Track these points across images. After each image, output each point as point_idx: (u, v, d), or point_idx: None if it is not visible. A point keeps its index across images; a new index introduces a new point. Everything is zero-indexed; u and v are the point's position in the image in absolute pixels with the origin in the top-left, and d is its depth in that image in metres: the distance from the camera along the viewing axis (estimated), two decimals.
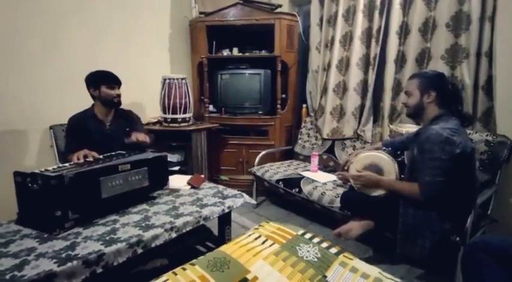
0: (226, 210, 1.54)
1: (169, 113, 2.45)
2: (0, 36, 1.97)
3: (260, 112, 2.72)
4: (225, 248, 1.12)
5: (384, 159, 1.58)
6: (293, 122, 2.93)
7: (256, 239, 1.18)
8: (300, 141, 2.83)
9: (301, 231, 1.24)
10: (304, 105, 2.89)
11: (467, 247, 1.14)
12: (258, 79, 2.68)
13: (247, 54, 2.76)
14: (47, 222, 1.18)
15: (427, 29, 2.03)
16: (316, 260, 1.06)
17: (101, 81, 1.83)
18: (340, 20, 2.44)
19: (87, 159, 1.51)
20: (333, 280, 0.99)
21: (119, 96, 1.89)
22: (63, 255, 1.03)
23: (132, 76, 2.02)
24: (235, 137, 2.78)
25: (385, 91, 2.28)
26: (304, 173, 2.30)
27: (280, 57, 2.62)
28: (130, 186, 1.42)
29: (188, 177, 1.82)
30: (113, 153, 1.63)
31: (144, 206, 1.47)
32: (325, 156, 2.62)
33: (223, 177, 2.82)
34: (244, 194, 1.68)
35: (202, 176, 1.92)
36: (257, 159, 2.53)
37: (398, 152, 1.82)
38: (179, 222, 1.31)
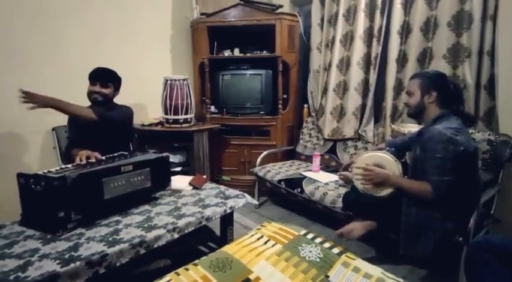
0: (228, 211, 1.54)
1: (171, 114, 2.45)
2: (2, 37, 1.98)
3: (261, 112, 2.72)
4: (228, 248, 1.12)
5: (387, 159, 1.58)
6: (294, 122, 2.93)
7: (258, 239, 1.18)
8: (301, 142, 2.83)
9: (303, 232, 1.24)
10: (306, 105, 2.89)
11: (470, 247, 1.13)
12: (259, 79, 2.68)
13: (248, 54, 2.76)
14: (50, 223, 1.19)
15: (429, 28, 2.03)
16: (318, 260, 1.06)
17: (89, 77, 1.84)
18: (341, 19, 2.44)
19: (90, 160, 1.52)
20: (335, 280, 0.99)
21: (98, 93, 1.82)
22: (67, 256, 1.03)
23: (134, 77, 2.02)
24: (237, 137, 2.78)
25: (386, 91, 2.27)
26: (306, 173, 2.30)
27: (281, 57, 2.62)
28: (133, 187, 1.43)
29: (190, 177, 1.82)
30: (115, 154, 1.64)
31: (147, 206, 1.47)
32: (327, 157, 2.62)
33: (225, 178, 2.82)
34: (246, 195, 1.68)
35: (204, 176, 1.93)
36: (259, 160, 2.53)
37: (400, 153, 1.81)
38: (181, 222, 1.31)
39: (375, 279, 0.99)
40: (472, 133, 1.76)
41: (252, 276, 0.97)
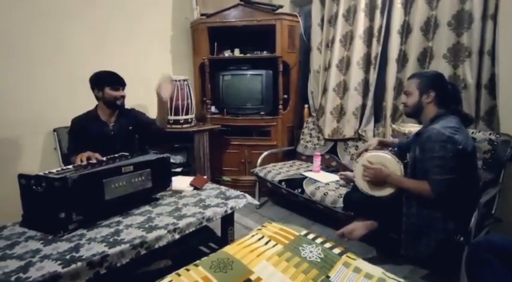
0: (229, 211, 1.54)
1: (171, 115, 2.45)
2: (4, 39, 1.98)
3: (262, 113, 2.72)
4: (228, 249, 1.12)
5: (389, 159, 1.58)
6: (295, 122, 2.93)
7: (259, 239, 1.18)
8: (302, 142, 2.83)
9: (304, 232, 1.24)
10: (306, 106, 2.89)
11: (471, 247, 1.13)
12: (260, 80, 2.68)
13: (248, 55, 2.76)
14: (51, 224, 1.19)
15: (429, 28, 2.03)
16: (319, 260, 1.06)
17: (105, 83, 1.83)
18: (340, 19, 2.44)
19: (91, 161, 1.52)
20: (336, 280, 0.99)
21: (122, 97, 1.88)
22: (68, 257, 1.04)
23: (135, 78, 2.02)
24: (238, 137, 2.78)
25: (386, 90, 2.27)
26: (307, 173, 2.30)
27: (282, 57, 2.62)
28: (134, 187, 1.43)
29: (191, 178, 1.83)
30: (116, 155, 1.64)
31: (147, 207, 1.47)
32: (327, 157, 2.62)
33: (225, 178, 2.82)
34: (246, 195, 1.68)
35: (205, 177, 1.93)
36: (259, 160, 2.53)
37: (403, 153, 1.81)
38: (182, 223, 1.31)
39: (376, 280, 0.99)
40: (472, 133, 1.76)
41: (253, 277, 0.97)
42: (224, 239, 1.68)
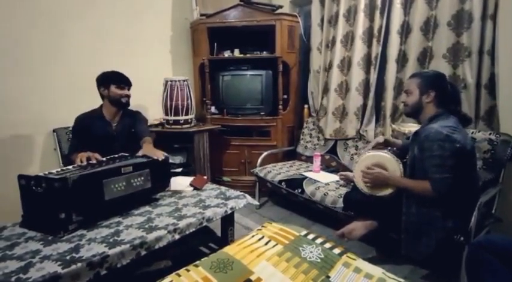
0: (229, 211, 1.54)
1: (171, 115, 2.45)
2: (5, 40, 1.98)
3: (262, 113, 2.72)
4: (228, 249, 1.12)
5: (388, 159, 1.58)
6: (295, 122, 2.93)
7: (259, 240, 1.18)
8: (302, 142, 2.83)
9: (304, 232, 1.24)
10: (306, 106, 2.89)
11: (471, 247, 1.13)
12: (260, 80, 2.68)
13: (248, 55, 2.76)
14: (52, 225, 1.19)
15: (429, 28, 2.03)
16: (319, 260, 1.06)
17: (111, 81, 1.86)
18: (341, 20, 2.44)
19: (90, 162, 1.52)
20: (336, 281, 0.99)
21: (127, 96, 1.91)
22: (68, 258, 1.04)
23: (135, 78, 2.02)
24: (237, 138, 2.78)
25: (386, 90, 2.27)
26: (307, 174, 2.30)
27: (282, 57, 2.62)
28: (133, 188, 1.43)
29: (191, 178, 1.83)
30: (116, 155, 1.64)
31: (147, 207, 1.47)
32: (327, 157, 2.62)
33: (225, 178, 2.82)
34: (246, 195, 1.68)
35: (205, 177, 1.93)
36: (259, 160, 2.53)
37: (401, 153, 1.81)
38: (182, 223, 1.31)
39: (376, 280, 0.99)
40: (472, 132, 1.76)
41: (253, 277, 0.97)
42: (224, 240, 1.68)
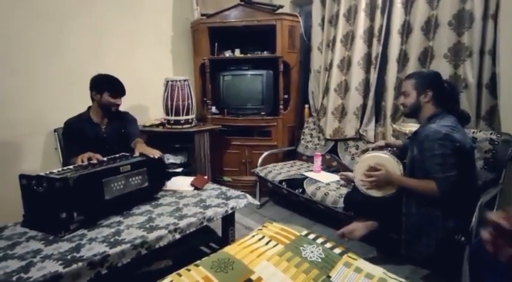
0: (230, 211, 1.54)
1: (172, 115, 2.45)
2: (5, 39, 1.99)
3: (262, 113, 2.72)
4: (229, 249, 1.12)
5: (388, 160, 1.57)
6: (296, 122, 2.92)
7: (260, 239, 1.18)
8: (302, 142, 2.83)
9: (304, 232, 1.24)
10: (307, 106, 2.89)
11: (473, 246, 1.13)
12: (260, 80, 2.68)
13: (249, 55, 2.76)
14: (53, 224, 1.20)
15: (430, 27, 2.02)
16: (320, 260, 1.06)
17: (106, 88, 1.81)
18: (341, 19, 2.44)
19: (91, 162, 1.52)
20: (337, 280, 0.99)
21: (118, 105, 1.88)
22: (69, 257, 1.04)
23: (135, 78, 2.03)
24: (238, 137, 2.78)
25: (387, 90, 2.27)
26: (307, 174, 2.30)
27: (282, 57, 2.62)
28: (131, 187, 1.44)
29: (191, 178, 1.83)
30: (117, 155, 1.64)
31: (148, 207, 1.47)
32: (328, 157, 2.61)
33: (226, 178, 2.82)
34: (247, 195, 1.68)
35: (206, 177, 1.93)
36: (260, 160, 2.53)
37: (400, 153, 1.80)
38: (183, 223, 1.31)
39: (377, 279, 0.99)
40: (473, 132, 1.76)
41: (253, 277, 0.97)
42: (225, 239, 1.68)
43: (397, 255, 1.49)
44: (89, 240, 1.15)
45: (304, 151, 2.79)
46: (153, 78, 2.63)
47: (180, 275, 0.98)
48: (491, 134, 1.72)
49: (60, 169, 1.37)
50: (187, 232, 1.33)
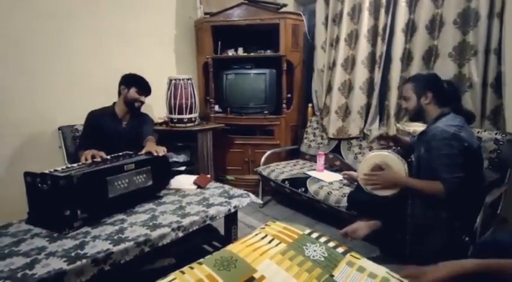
0: (233, 210, 1.54)
1: (175, 113, 2.46)
2: (10, 39, 2.00)
3: (265, 112, 2.72)
4: (232, 247, 1.12)
5: (392, 158, 1.57)
6: (299, 121, 2.92)
7: (262, 238, 1.18)
8: (305, 141, 2.83)
9: (307, 231, 1.24)
10: (310, 105, 2.88)
11: (478, 246, 1.12)
12: (263, 79, 2.68)
13: (252, 54, 2.76)
14: (57, 222, 1.20)
15: (434, 26, 2.01)
16: (323, 259, 1.06)
17: (135, 83, 1.94)
18: (345, 18, 2.43)
19: (95, 160, 1.53)
20: (340, 279, 0.98)
21: (142, 102, 2.00)
22: (73, 254, 1.04)
23: None
24: (241, 136, 2.79)
25: (391, 90, 2.26)
26: (310, 173, 2.29)
27: (286, 56, 2.61)
28: (135, 185, 1.44)
29: (194, 177, 1.83)
30: (120, 153, 1.65)
31: (151, 205, 1.48)
32: (331, 156, 2.61)
33: (229, 177, 2.82)
34: (250, 194, 1.68)
35: (208, 175, 1.93)
36: (263, 159, 2.53)
37: (406, 152, 1.79)
38: (186, 221, 1.32)
39: (380, 279, 0.99)
40: (478, 132, 1.74)
41: (256, 275, 0.97)
42: (227, 238, 1.69)
43: (400, 255, 1.49)
44: (93, 238, 1.16)
45: (307, 150, 2.79)
46: (156, 77, 2.62)
47: (183, 273, 0.98)
48: (496, 133, 1.71)
49: (64, 167, 1.38)
50: (190, 230, 1.33)
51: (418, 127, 1.89)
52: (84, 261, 1.01)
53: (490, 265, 0.83)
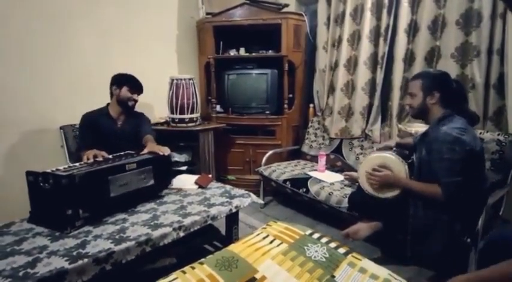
0: (234, 210, 1.54)
1: (176, 113, 2.46)
2: (12, 39, 2.01)
3: (267, 112, 2.72)
4: (233, 247, 1.12)
5: (393, 160, 1.56)
6: (300, 121, 2.92)
7: (264, 238, 1.18)
8: (307, 141, 2.82)
9: (309, 231, 1.23)
10: (311, 105, 2.88)
11: (483, 249, 1.12)
12: (265, 79, 2.68)
13: (254, 54, 2.76)
14: (59, 221, 1.21)
15: (437, 27, 2.01)
16: (324, 260, 1.06)
17: (126, 83, 1.94)
18: (347, 18, 2.42)
19: (97, 159, 1.53)
20: (341, 280, 0.98)
21: (135, 101, 1.99)
22: (74, 253, 1.05)
23: (140, 77, 2.03)
24: (242, 136, 2.78)
25: (393, 90, 2.26)
26: (312, 173, 2.29)
27: (287, 57, 2.61)
28: (137, 185, 1.44)
29: (195, 177, 1.83)
30: (122, 153, 1.65)
31: (153, 205, 1.48)
32: (332, 156, 2.60)
33: (230, 177, 2.82)
34: (251, 194, 1.68)
35: (210, 175, 1.93)
36: (264, 159, 2.53)
37: (407, 153, 1.79)
38: (187, 221, 1.32)
39: (382, 280, 0.98)
40: (480, 133, 1.74)
41: (257, 275, 0.97)
42: (229, 238, 1.69)
43: (402, 256, 1.48)
44: (94, 237, 1.16)
45: (309, 150, 2.79)
46: (158, 76, 2.64)
47: (184, 273, 0.98)
48: (498, 135, 1.70)
49: (66, 166, 1.38)
50: (192, 230, 1.33)
51: (420, 128, 1.89)
52: (85, 260, 1.01)
53: (481, 276, 0.83)
